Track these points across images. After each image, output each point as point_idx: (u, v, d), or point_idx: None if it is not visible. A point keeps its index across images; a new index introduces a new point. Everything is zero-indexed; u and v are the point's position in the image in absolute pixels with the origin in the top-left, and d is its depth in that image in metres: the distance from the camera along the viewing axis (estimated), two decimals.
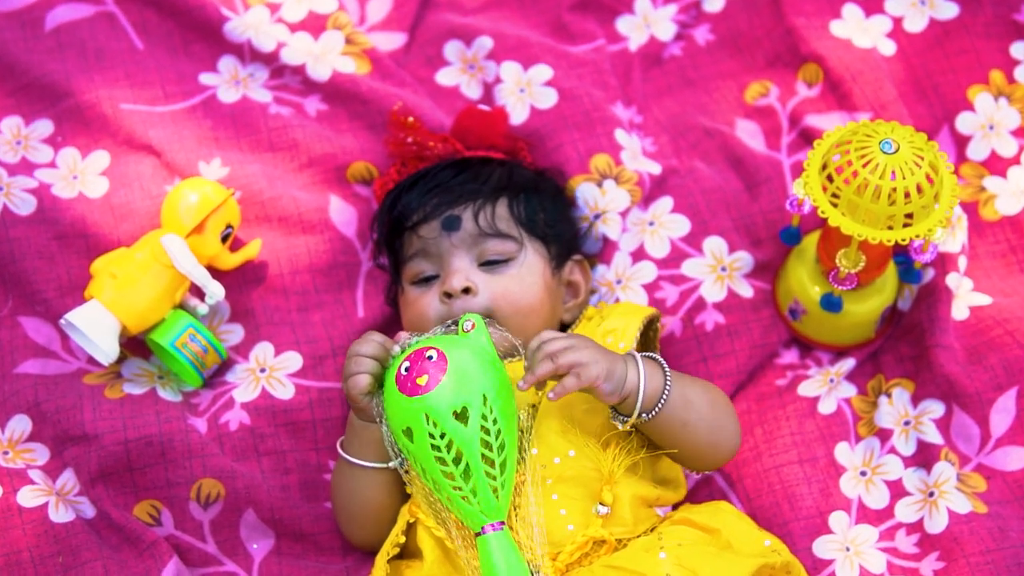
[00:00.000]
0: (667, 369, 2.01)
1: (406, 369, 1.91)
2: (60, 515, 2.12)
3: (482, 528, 1.89)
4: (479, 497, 1.88)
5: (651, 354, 2.04)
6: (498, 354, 1.97)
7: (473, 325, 1.96)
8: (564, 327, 2.28)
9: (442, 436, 1.88)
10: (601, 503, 2.01)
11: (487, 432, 1.89)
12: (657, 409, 1.99)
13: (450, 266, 2.18)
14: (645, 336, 2.22)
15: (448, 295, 2.16)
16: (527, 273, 2.20)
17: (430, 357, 1.90)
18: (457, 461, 1.88)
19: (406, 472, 2.00)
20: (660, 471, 2.13)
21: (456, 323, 1.98)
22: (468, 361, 1.91)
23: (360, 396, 1.98)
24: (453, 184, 2.24)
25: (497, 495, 1.89)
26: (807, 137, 2.45)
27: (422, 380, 1.88)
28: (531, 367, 1.95)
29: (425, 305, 2.18)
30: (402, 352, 1.96)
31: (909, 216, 2.08)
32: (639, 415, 1.98)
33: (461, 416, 1.88)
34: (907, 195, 2.06)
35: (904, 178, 2.05)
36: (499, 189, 2.25)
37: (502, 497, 1.90)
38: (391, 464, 2.01)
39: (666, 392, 1.99)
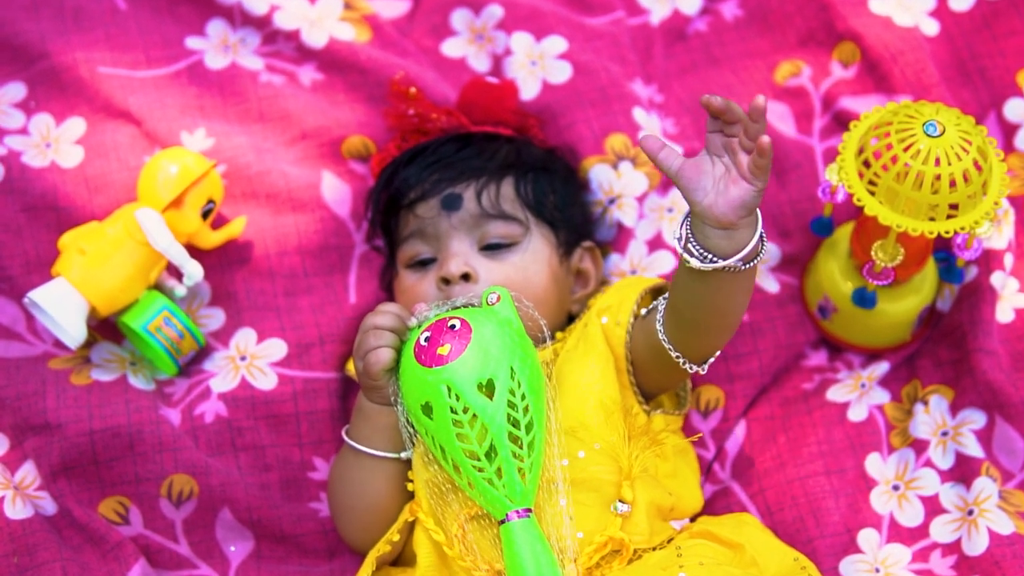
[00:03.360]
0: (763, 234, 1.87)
1: (426, 340, 1.86)
2: (17, 511, 2.06)
3: (506, 515, 1.82)
4: (504, 479, 1.82)
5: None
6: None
7: (499, 298, 1.91)
8: (572, 320, 2.22)
9: (465, 411, 1.82)
10: (620, 500, 1.94)
11: (514, 408, 1.83)
12: (756, 261, 1.85)
13: (448, 249, 2.12)
14: (656, 310, 2.12)
15: (445, 281, 2.10)
16: (532, 260, 2.14)
17: (453, 326, 1.86)
18: (481, 439, 1.82)
19: (426, 455, 1.93)
20: (677, 476, 2.09)
21: (478, 297, 1.94)
22: (495, 332, 1.86)
23: (381, 373, 1.92)
24: (455, 160, 2.19)
25: (524, 478, 1.83)
26: (841, 121, 2.40)
27: (444, 350, 1.84)
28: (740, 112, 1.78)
29: (421, 292, 2.12)
30: (420, 325, 1.91)
31: (953, 207, 2.04)
32: (739, 262, 1.83)
33: (486, 389, 1.83)
34: (952, 183, 2.02)
35: (949, 164, 2.00)
36: (505, 167, 2.19)
37: (529, 481, 1.84)
38: (403, 455, 1.97)
39: (763, 249, 1.86)
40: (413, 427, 1.91)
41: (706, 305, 1.89)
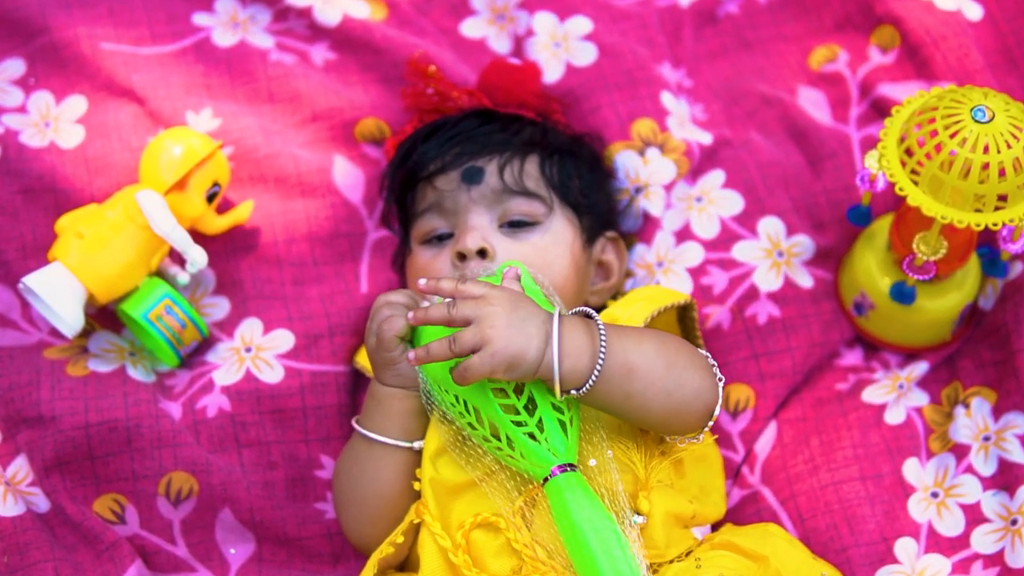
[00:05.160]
0: (603, 334, 1.82)
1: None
2: (8, 507, 2.05)
3: (551, 471, 1.78)
4: (547, 432, 1.79)
5: (585, 309, 1.86)
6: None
7: (518, 274, 1.89)
8: None
9: None
10: (636, 512, 1.88)
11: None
12: (587, 387, 1.80)
13: (466, 223, 2.08)
14: (682, 324, 2.13)
15: (461, 256, 2.05)
16: (553, 243, 2.09)
17: None
18: (519, 392, 1.80)
19: (441, 419, 1.91)
20: (696, 480, 2.03)
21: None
22: (521, 291, 1.85)
23: (395, 340, 1.90)
24: (477, 134, 2.16)
25: (565, 432, 1.80)
26: (880, 108, 2.37)
27: None
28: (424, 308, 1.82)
29: (435, 269, 2.08)
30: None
31: (1002, 198, 1.98)
32: (562, 393, 1.81)
33: None
34: (1002, 172, 1.96)
35: (999, 152, 1.94)
36: (530, 144, 2.16)
37: (571, 434, 1.80)
38: (416, 445, 1.94)
39: (597, 368, 1.80)
40: (438, 410, 1.89)
41: (618, 414, 1.86)
